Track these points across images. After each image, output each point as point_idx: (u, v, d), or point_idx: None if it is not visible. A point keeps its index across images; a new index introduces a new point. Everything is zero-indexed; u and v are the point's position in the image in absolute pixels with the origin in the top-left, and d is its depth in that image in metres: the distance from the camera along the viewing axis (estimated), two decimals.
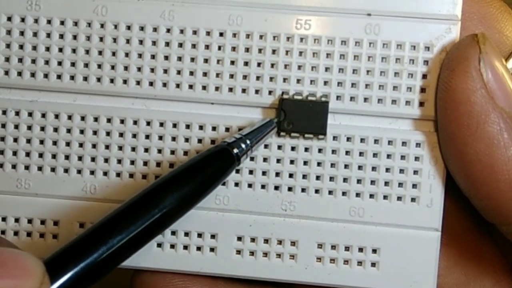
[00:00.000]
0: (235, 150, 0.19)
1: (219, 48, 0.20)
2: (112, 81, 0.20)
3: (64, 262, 0.16)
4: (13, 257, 0.15)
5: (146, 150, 0.20)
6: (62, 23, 0.20)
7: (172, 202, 0.18)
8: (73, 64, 0.20)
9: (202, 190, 0.18)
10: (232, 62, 0.20)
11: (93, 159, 0.20)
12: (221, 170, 0.19)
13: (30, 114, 0.20)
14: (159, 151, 0.20)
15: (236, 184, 0.20)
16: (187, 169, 0.18)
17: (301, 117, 0.19)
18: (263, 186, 0.20)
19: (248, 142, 0.19)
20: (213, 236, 0.20)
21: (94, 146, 0.20)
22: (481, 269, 0.21)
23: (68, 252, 0.17)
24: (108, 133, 0.20)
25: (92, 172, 0.20)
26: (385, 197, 0.20)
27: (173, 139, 0.20)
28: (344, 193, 0.20)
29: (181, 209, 0.18)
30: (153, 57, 0.20)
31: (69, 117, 0.20)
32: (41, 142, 0.20)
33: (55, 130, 0.20)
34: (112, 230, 0.17)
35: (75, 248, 0.17)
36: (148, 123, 0.20)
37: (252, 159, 0.20)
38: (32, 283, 0.15)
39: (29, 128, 0.20)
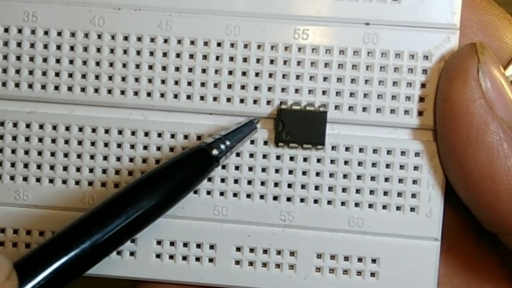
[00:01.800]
0: (214, 151, 0.18)
1: (217, 58, 0.20)
2: (109, 91, 0.20)
3: (35, 264, 0.16)
4: None
5: (144, 160, 0.20)
6: (59, 34, 0.20)
7: (148, 203, 0.18)
8: (70, 75, 0.20)
9: (180, 191, 0.18)
10: (230, 72, 0.20)
11: (91, 170, 0.20)
12: (199, 171, 0.19)
13: (28, 126, 0.20)
14: (157, 161, 0.20)
15: (235, 195, 0.20)
16: (165, 169, 0.18)
17: (299, 127, 0.19)
18: (261, 197, 0.20)
19: (227, 143, 0.19)
20: (212, 247, 0.20)
21: (92, 157, 0.20)
22: (482, 276, 0.21)
23: (39, 254, 0.17)
24: (106, 144, 0.20)
25: (90, 183, 0.20)
26: (384, 207, 0.20)
27: (171, 149, 0.20)
28: (343, 203, 0.20)
29: (157, 210, 0.18)
30: (150, 67, 0.20)
31: (67, 128, 0.20)
32: (39, 153, 0.20)
33: (53, 141, 0.20)
34: (85, 232, 0.17)
35: (46, 250, 0.17)
36: (146, 134, 0.20)
37: (250, 169, 0.20)
38: None
39: (27, 139, 0.20)
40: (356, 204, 0.20)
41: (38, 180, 0.20)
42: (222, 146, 0.19)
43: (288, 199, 0.20)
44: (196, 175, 0.19)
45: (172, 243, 0.20)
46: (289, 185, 0.20)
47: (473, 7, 0.20)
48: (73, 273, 0.17)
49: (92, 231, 0.17)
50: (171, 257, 0.20)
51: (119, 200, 0.18)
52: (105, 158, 0.20)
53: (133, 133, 0.20)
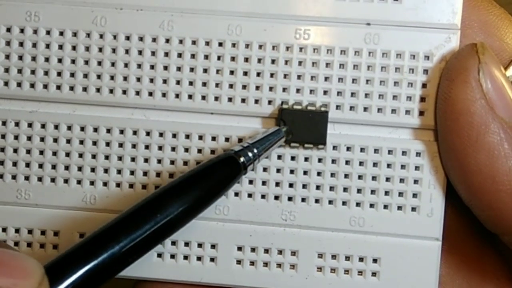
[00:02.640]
0: (242, 159, 0.18)
1: (218, 58, 0.20)
2: (111, 91, 0.20)
3: (65, 268, 0.16)
4: (13, 258, 0.15)
5: (146, 160, 0.20)
6: (61, 33, 0.20)
7: (176, 209, 0.18)
8: (72, 75, 0.20)
9: (208, 198, 0.18)
10: (232, 72, 0.20)
11: (93, 170, 0.20)
12: (228, 178, 0.19)
13: (29, 125, 0.20)
14: (159, 161, 0.20)
15: (236, 194, 0.20)
16: (193, 176, 0.18)
17: (300, 126, 0.19)
18: (263, 196, 0.20)
19: (255, 151, 0.19)
20: (213, 246, 0.20)
21: (93, 156, 0.20)
22: (483, 276, 0.21)
23: (69, 258, 0.17)
24: (107, 144, 0.20)
25: (92, 183, 0.20)
26: (385, 206, 0.20)
27: (173, 149, 0.20)
28: (344, 203, 0.20)
29: (185, 216, 0.18)
30: (152, 67, 0.20)
31: (69, 128, 0.20)
32: (41, 152, 0.20)
33: (55, 140, 0.20)
34: (114, 237, 0.17)
35: (76, 254, 0.17)
36: (148, 133, 0.20)
37: (252, 168, 0.20)
38: (30, 283, 0.15)
39: (29, 138, 0.20)
40: (358, 204, 0.20)
41: (39, 179, 0.20)
42: (250, 154, 0.18)
43: (290, 198, 0.20)
44: (224, 182, 0.18)
45: (173, 243, 0.20)
46: (291, 185, 0.20)
47: (474, 7, 0.20)
48: (101, 278, 0.17)
49: (121, 237, 0.17)
50: (172, 256, 0.20)
51: (148, 207, 0.18)
52: (106, 157, 0.20)
53: (134, 133, 0.20)
